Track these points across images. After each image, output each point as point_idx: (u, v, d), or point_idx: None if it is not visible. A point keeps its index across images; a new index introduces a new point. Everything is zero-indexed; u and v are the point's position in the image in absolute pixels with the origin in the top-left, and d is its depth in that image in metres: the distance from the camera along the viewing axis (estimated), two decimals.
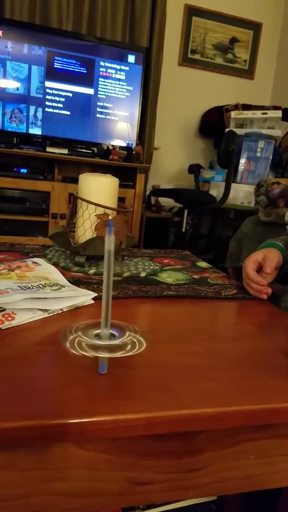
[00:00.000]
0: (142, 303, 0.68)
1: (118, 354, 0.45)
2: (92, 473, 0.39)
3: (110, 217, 0.84)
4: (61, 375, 0.42)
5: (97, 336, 0.49)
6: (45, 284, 0.62)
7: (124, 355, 0.45)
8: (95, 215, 0.83)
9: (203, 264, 0.97)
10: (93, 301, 0.64)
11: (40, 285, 0.61)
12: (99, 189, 0.84)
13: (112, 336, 0.49)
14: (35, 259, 0.76)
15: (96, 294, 0.64)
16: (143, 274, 0.82)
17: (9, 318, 0.52)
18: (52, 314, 0.57)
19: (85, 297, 0.63)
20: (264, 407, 0.41)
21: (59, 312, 0.58)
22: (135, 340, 0.50)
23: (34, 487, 0.38)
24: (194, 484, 0.44)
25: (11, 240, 2.31)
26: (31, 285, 0.60)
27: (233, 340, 0.57)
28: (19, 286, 0.58)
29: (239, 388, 0.43)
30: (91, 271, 0.79)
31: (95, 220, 0.83)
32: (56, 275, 0.69)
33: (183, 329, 0.60)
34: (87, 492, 0.40)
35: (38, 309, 0.56)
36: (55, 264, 0.79)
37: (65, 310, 0.59)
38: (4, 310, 0.53)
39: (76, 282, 0.70)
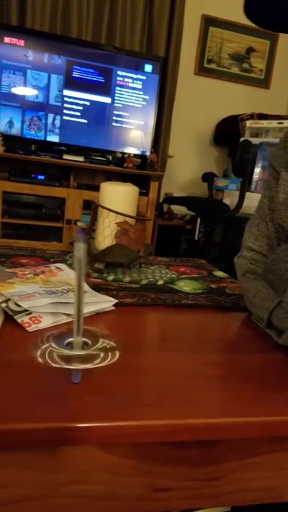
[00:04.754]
0: (160, 311, 0.69)
1: (90, 365, 0.44)
2: (111, 478, 0.40)
3: (129, 225, 0.86)
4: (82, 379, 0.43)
5: (69, 345, 0.48)
6: (68, 289, 0.64)
7: (96, 366, 0.44)
8: (115, 223, 0.85)
9: (220, 273, 0.98)
10: (113, 308, 0.65)
11: (64, 290, 0.63)
12: (119, 197, 0.86)
13: (85, 345, 0.49)
14: (58, 265, 0.78)
15: (116, 301, 0.66)
16: (160, 282, 0.83)
17: (36, 321, 0.54)
18: None
19: (106, 303, 0.64)
20: (283, 419, 0.41)
21: None
22: (108, 348, 0.50)
23: (53, 488, 0.39)
24: (213, 493, 0.44)
25: (27, 245, 2.35)
26: (56, 290, 0.62)
27: (251, 351, 0.57)
28: (44, 290, 0.60)
29: (257, 399, 0.43)
30: (110, 278, 0.81)
31: (115, 228, 0.85)
32: None
33: (200, 338, 0.61)
34: (106, 496, 0.40)
35: (62, 313, 0.58)
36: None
37: (87, 315, 0.61)
38: (31, 313, 0.55)
39: (95, 288, 0.72)
